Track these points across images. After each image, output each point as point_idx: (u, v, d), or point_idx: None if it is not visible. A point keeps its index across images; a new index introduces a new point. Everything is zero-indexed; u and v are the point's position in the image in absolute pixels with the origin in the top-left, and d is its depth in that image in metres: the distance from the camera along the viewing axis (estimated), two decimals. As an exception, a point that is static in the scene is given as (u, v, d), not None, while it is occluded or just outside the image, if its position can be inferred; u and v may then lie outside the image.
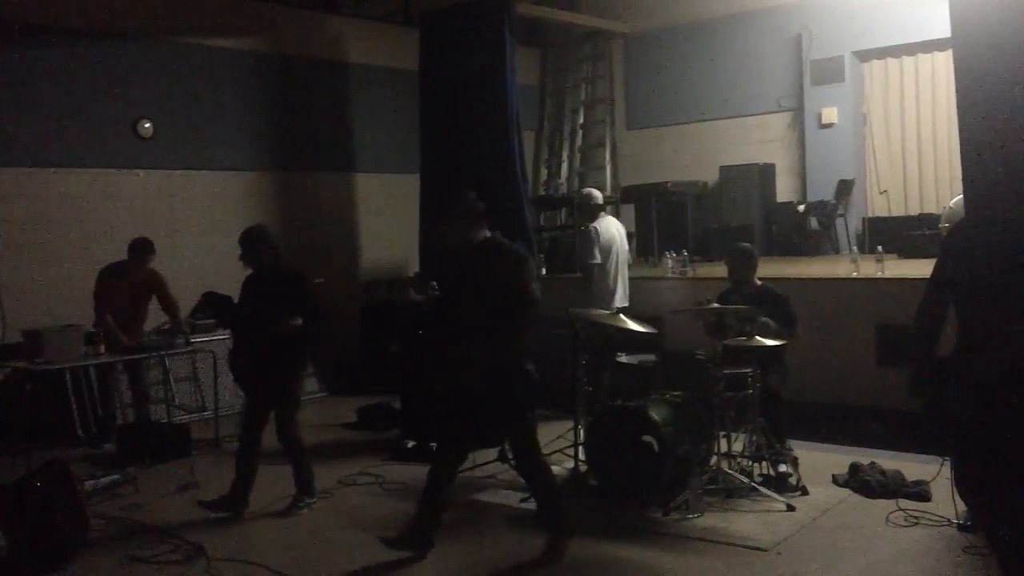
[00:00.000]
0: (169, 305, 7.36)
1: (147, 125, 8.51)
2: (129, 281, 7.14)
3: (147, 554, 4.70)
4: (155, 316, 7.55)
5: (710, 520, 4.90)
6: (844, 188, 10.45)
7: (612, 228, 7.08)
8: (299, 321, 5.31)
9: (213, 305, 6.01)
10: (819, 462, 5.76)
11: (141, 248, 7.10)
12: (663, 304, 7.45)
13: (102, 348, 6.77)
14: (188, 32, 8.88)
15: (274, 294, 5.37)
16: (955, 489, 3.28)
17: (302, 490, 5.50)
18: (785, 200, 10.96)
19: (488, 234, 4.59)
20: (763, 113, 11.21)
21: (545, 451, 6.13)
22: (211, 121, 9.04)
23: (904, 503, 4.97)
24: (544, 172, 12.79)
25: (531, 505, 5.26)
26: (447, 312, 4.37)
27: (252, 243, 5.43)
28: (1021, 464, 2.91)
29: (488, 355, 4.34)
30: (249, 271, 5.55)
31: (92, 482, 5.81)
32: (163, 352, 7.22)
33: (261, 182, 9.51)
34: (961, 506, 4.80)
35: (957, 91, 4.80)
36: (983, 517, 3.34)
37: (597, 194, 7.30)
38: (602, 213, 7.15)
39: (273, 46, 9.64)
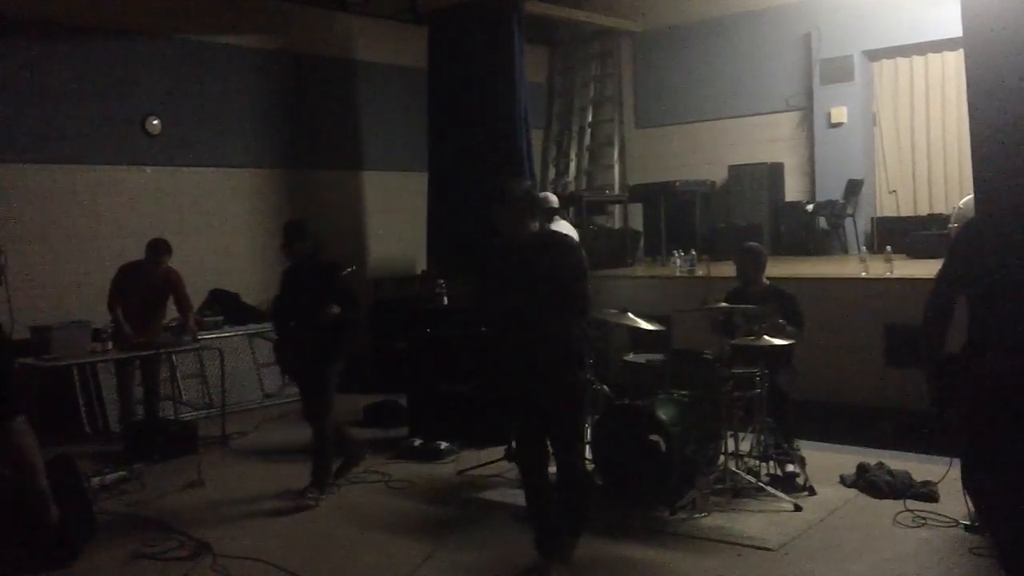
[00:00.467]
0: (184, 304, 7.38)
1: (155, 122, 8.53)
2: (146, 281, 7.17)
3: (153, 550, 4.71)
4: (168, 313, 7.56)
5: (717, 520, 4.89)
6: (853, 188, 10.42)
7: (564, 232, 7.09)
8: (336, 310, 5.49)
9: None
10: (826, 462, 5.74)
11: (158, 249, 7.13)
12: (671, 303, 7.43)
13: (110, 345, 6.79)
14: (197, 29, 8.90)
15: (311, 285, 5.59)
16: (964, 488, 3.25)
17: (314, 482, 5.56)
18: (794, 199, 10.94)
19: (539, 225, 4.42)
20: (772, 112, 11.18)
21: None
22: (219, 118, 9.06)
23: (911, 504, 4.95)
24: (552, 170, 12.77)
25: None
26: (504, 303, 4.21)
27: (293, 235, 5.67)
28: None
29: (556, 343, 4.16)
30: (288, 264, 5.82)
31: (99, 478, 5.82)
32: (170, 349, 7.23)
33: (269, 179, 9.53)
34: (968, 507, 4.79)
35: (968, 91, 4.79)
36: (990, 516, 3.32)
37: (553, 198, 7.37)
38: (556, 217, 7.17)
39: (282, 43, 9.66)
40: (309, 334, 5.53)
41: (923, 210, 10.41)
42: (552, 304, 4.11)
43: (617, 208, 12.04)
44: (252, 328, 8.58)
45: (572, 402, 4.27)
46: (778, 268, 7.52)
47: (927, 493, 5.08)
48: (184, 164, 8.80)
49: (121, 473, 6.00)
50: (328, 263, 5.77)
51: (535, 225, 4.32)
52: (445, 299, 7.98)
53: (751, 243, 6.20)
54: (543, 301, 4.09)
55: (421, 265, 10.24)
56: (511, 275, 4.21)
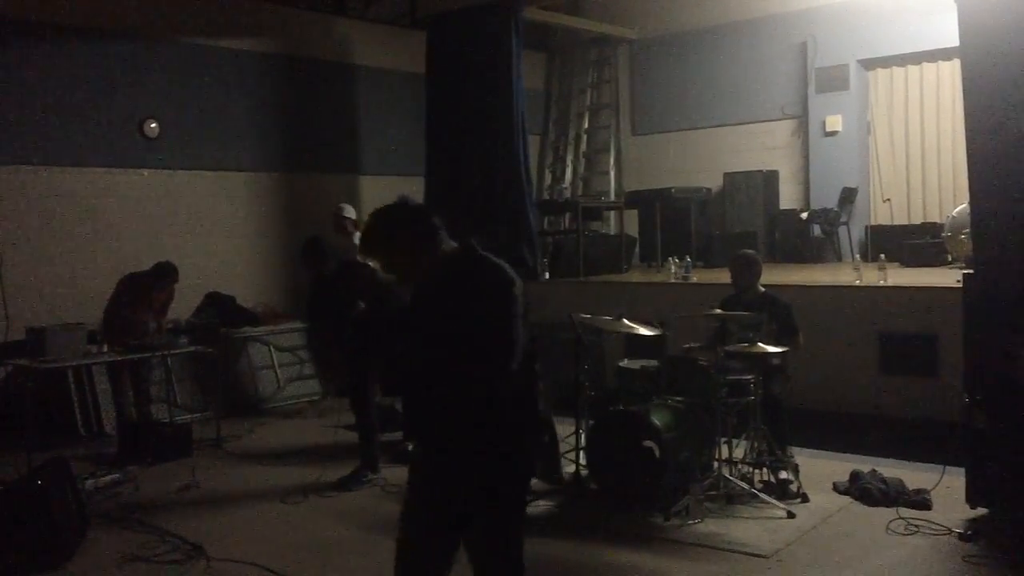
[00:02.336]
0: (163, 314, 7.42)
1: (153, 125, 8.54)
2: (146, 302, 7.20)
3: (147, 553, 4.70)
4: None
5: (710, 526, 4.90)
6: (847, 196, 10.46)
7: None
8: (362, 306, 5.74)
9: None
10: (820, 469, 5.75)
11: (168, 275, 7.19)
12: (666, 309, 7.45)
13: (104, 347, 6.79)
14: (195, 32, 8.91)
15: (341, 287, 5.89)
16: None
17: (364, 464, 5.86)
18: (788, 207, 10.97)
19: (452, 245, 2.99)
20: (768, 120, 11.22)
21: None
22: (217, 122, 9.06)
23: (904, 511, 4.96)
24: (548, 176, 12.80)
25: (534, 509, 5.28)
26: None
27: (311, 257, 6.06)
28: None
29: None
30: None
31: (93, 481, 5.81)
32: (165, 352, 7.23)
33: (266, 183, 9.54)
34: (961, 515, 4.81)
35: (965, 100, 4.82)
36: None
37: (350, 209, 7.87)
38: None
39: (280, 47, 9.67)
40: (345, 332, 5.84)
41: (917, 219, 10.46)
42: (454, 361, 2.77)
43: (613, 214, 12.06)
44: (247, 332, 8.58)
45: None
46: (773, 275, 7.54)
47: (920, 501, 5.09)
48: (182, 167, 8.80)
49: (115, 475, 5.99)
50: (347, 264, 6.06)
51: (440, 250, 2.95)
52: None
53: (745, 250, 6.22)
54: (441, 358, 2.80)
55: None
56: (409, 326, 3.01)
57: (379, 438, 6.04)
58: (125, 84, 8.37)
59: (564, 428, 6.23)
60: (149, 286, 7.20)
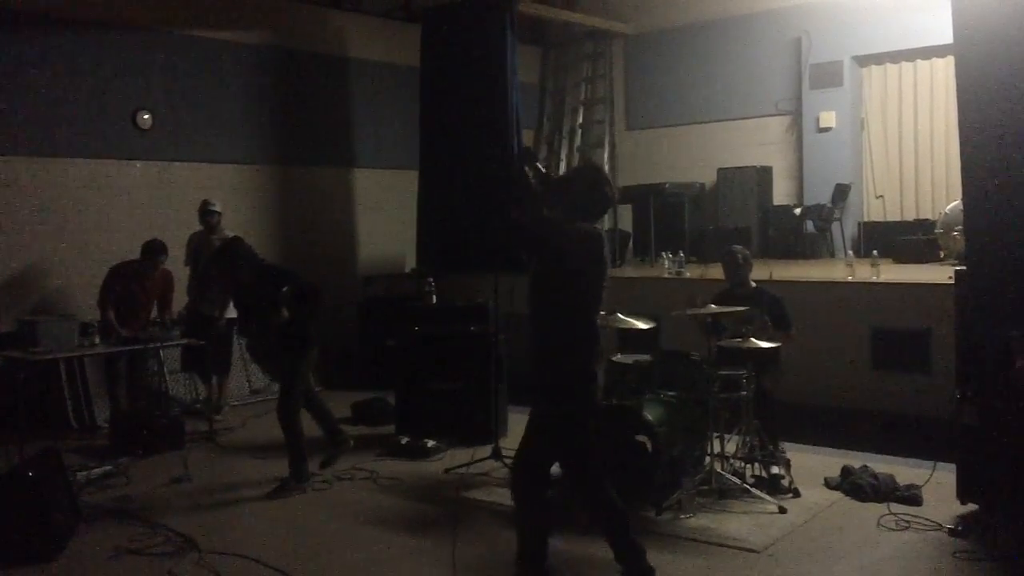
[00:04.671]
0: (166, 307, 7.39)
1: (146, 116, 8.50)
2: (140, 284, 7.16)
3: (138, 545, 4.69)
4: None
5: (702, 521, 4.91)
6: (841, 192, 10.48)
7: None
8: (284, 313, 5.56)
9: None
10: (811, 464, 5.77)
11: (156, 250, 7.14)
12: (659, 304, 7.46)
13: (96, 339, 6.77)
14: (189, 24, 8.87)
15: (264, 295, 5.64)
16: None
17: (291, 474, 5.64)
18: (782, 203, 10.99)
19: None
20: (761, 116, 11.23)
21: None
22: (211, 114, 9.03)
23: (895, 507, 4.99)
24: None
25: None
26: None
27: (225, 269, 5.87)
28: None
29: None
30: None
31: (84, 473, 5.80)
32: (158, 344, 7.21)
33: (260, 176, 9.51)
34: (952, 511, 4.84)
35: (958, 97, 4.83)
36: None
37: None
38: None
39: (275, 40, 9.64)
40: (271, 336, 5.66)
41: (910, 215, 10.49)
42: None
43: (607, 209, 12.07)
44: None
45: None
46: (765, 271, 7.56)
47: (911, 496, 5.11)
48: (175, 159, 8.77)
49: (107, 468, 5.98)
50: (269, 272, 5.82)
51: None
52: (434, 297, 8.00)
53: (734, 245, 6.24)
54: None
55: (411, 263, 10.24)
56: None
57: (303, 447, 5.73)
58: (118, 75, 8.32)
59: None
60: (134, 267, 7.15)
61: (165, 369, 7.38)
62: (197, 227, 8.11)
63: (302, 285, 5.72)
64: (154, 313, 7.46)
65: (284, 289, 5.63)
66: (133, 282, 7.16)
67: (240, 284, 5.81)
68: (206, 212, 7.86)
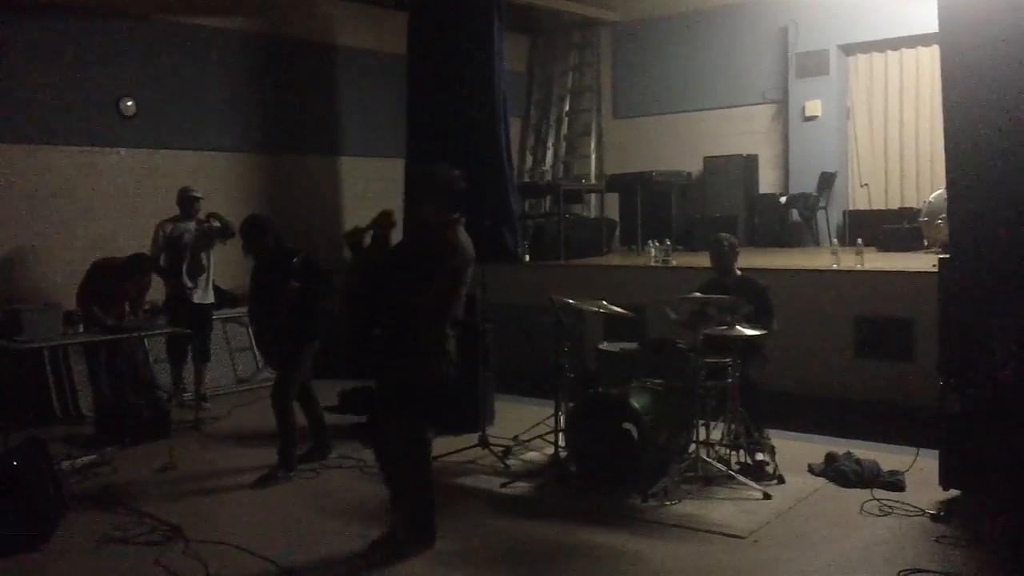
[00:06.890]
0: (139, 305, 7.37)
1: (129, 103, 8.42)
2: (121, 291, 7.12)
3: (124, 534, 4.68)
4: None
5: (688, 507, 4.94)
6: (826, 181, 10.52)
7: None
8: (295, 285, 5.57)
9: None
10: (796, 451, 5.81)
11: (144, 270, 7.11)
12: (646, 293, 7.48)
13: (80, 328, 6.73)
14: (174, 10, 8.79)
15: (277, 275, 5.65)
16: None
17: (279, 462, 5.63)
18: (768, 192, 11.03)
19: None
20: (748, 105, 11.26)
21: (526, 437, 6.20)
22: (195, 101, 8.96)
23: (879, 493, 5.03)
24: (529, 159, 12.78)
25: (513, 491, 5.31)
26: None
27: (252, 233, 5.76)
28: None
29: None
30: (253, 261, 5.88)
31: (70, 462, 5.77)
32: (143, 333, 7.18)
33: (245, 163, 9.45)
34: (934, 496, 4.88)
35: (943, 86, 4.85)
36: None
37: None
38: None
39: (261, 26, 9.57)
40: (281, 318, 5.62)
41: (894, 204, 10.55)
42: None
43: (593, 197, 12.08)
44: (226, 312, 8.52)
45: None
46: (751, 259, 7.59)
47: (894, 482, 5.16)
48: (159, 147, 8.69)
49: (92, 457, 5.95)
50: (288, 251, 5.81)
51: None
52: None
53: (720, 233, 6.26)
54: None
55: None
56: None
57: (295, 434, 5.73)
58: (101, 61, 8.24)
59: (544, 410, 6.28)
60: (121, 279, 7.11)
61: (150, 358, 7.37)
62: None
63: (313, 261, 5.78)
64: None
65: (295, 260, 5.66)
66: (115, 284, 7.11)
67: (264, 251, 5.79)
68: (188, 198, 7.77)
